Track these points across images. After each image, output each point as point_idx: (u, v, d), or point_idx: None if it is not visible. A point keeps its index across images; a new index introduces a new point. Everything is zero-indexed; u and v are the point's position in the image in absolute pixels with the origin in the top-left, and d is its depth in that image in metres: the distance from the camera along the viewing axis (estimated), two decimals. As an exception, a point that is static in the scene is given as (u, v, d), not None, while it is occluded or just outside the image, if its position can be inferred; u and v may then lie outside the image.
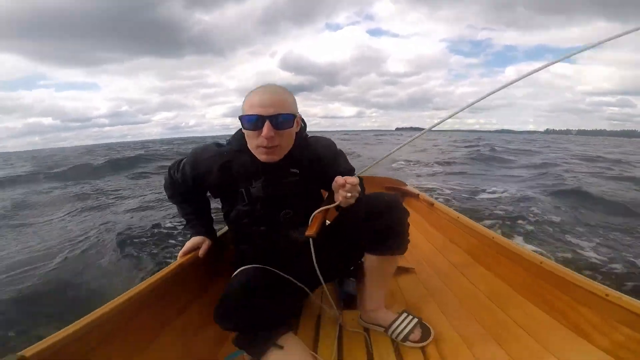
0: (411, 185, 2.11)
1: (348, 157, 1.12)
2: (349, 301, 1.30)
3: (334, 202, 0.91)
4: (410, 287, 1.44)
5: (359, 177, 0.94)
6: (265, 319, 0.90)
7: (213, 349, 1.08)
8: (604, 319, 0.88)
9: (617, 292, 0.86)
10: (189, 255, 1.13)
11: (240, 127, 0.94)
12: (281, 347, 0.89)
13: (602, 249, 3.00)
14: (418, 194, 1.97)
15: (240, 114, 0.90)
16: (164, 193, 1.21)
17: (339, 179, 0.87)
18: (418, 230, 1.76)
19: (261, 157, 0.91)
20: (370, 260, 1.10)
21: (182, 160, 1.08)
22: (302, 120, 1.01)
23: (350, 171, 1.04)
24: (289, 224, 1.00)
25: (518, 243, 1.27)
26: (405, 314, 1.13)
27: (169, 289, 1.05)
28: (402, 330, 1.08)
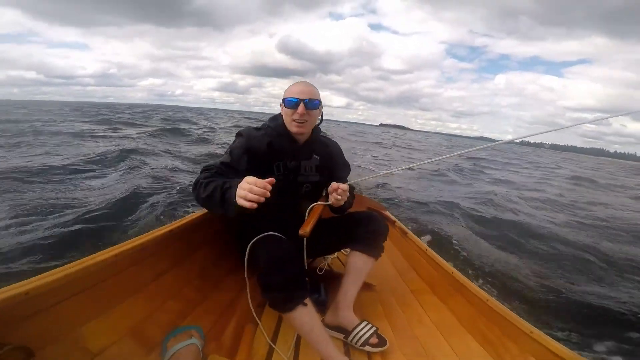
0: (389, 212, 2.27)
1: None
2: (318, 306, 1.39)
3: (327, 202, 1.23)
4: (369, 303, 1.55)
5: (350, 185, 1.24)
6: (296, 282, 1.11)
7: (175, 320, 1.17)
8: (522, 352, 1.04)
9: (541, 332, 1.02)
10: (168, 226, 1.28)
11: (273, 115, 1.35)
12: (306, 305, 1.10)
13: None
14: (394, 221, 2.10)
15: (282, 98, 1.26)
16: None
17: (334, 185, 1.19)
18: (386, 253, 1.81)
19: (293, 129, 1.25)
20: (354, 257, 1.35)
21: (227, 153, 1.23)
22: (322, 113, 1.35)
23: (344, 178, 1.42)
24: (307, 196, 1.31)
25: (472, 280, 1.41)
26: (365, 322, 1.28)
27: (147, 255, 1.17)
28: (363, 335, 1.24)
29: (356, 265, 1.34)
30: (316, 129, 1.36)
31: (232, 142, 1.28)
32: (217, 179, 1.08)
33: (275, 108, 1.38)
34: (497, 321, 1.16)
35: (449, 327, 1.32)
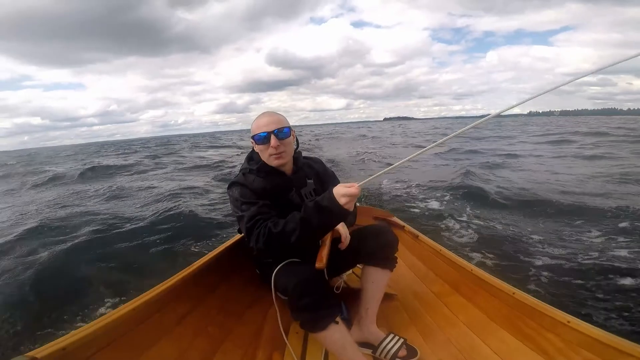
0: (397, 218, 2.23)
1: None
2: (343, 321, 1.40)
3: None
4: (393, 313, 1.53)
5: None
6: (327, 301, 1.12)
7: (207, 357, 1.21)
8: (567, 343, 0.99)
9: (577, 319, 0.98)
10: (185, 271, 1.32)
11: (247, 157, 1.32)
12: (337, 322, 1.11)
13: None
14: (404, 226, 2.07)
15: (251, 135, 1.24)
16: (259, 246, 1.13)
17: (341, 189, 0.96)
18: (402, 259, 1.83)
19: (273, 162, 1.23)
20: (369, 273, 1.33)
21: (240, 203, 1.16)
22: (296, 138, 1.32)
23: (333, 178, 1.43)
24: None
25: (494, 276, 1.37)
26: (392, 335, 1.26)
27: (168, 301, 1.20)
28: (391, 349, 1.22)
29: (373, 280, 1.33)
30: (297, 155, 1.34)
31: (232, 197, 1.22)
32: (277, 219, 1.08)
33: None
34: (530, 314, 1.12)
35: (482, 326, 1.28)
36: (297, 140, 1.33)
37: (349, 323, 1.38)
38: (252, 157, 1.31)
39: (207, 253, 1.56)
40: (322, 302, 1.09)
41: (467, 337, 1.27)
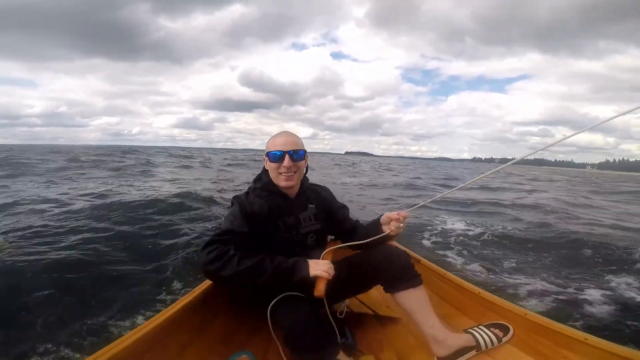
0: (396, 242, 2.14)
1: None
2: (347, 349, 1.36)
3: (381, 232, 1.23)
4: (399, 337, 1.49)
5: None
6: (326, 340, 1.13)
7: None
8: None
9: (594, 336, 0.98)
10: (186, 299, 1.26)
11: (255, 177, 1.35)
12: None
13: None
14: (405, 251, 1.98)
15: (265, 152, 1.26)
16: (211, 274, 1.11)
17: (393, 215, 1.20)
18: None
19: (282, 183, 1.24)
20: (405, 297, 1.25)
21: (228, 221, 1.18)
22: (307, 163, 1.33)
23: (347, 218, 1.42)
24: (314, 245, 1.31)
25: (501, 297, 1.37)
26: (474, 329, 1.24)
27: (169, 331, 1.13)
28: (488, 336, 1.21)
29: (416, 301, 1.25)
30: (304, 179, 1.34)
31: (229, 209, 1.27)
32: (241, 252, 1.08)
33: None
34: (544, 333, 1.12)
35: (494, 348, 1.22)
36: (307, 165, 1.32)
37: (354, 348, 1.36)
38: (261, 177, 1.32)
39: (205, 280, 1.43)
40: (321, 341, 1.09)
41: (480, 359, 1.20)
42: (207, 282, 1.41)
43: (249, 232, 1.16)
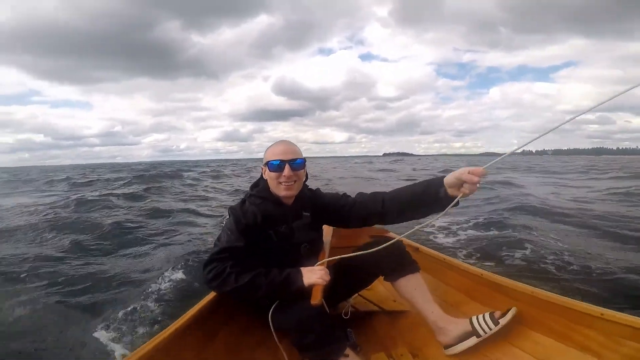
0: (393, 232, 2.11)
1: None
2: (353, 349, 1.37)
3: (443, 197, 1.05)
4: (411, 329, 1.46)
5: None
6: (332, 336, 1.13)
7: None
8: (608, 336, 0.93)
9: (611, 310, 0.94)
10: (184, 317, 1.19)
11: (252, 184, 1.35)
12: (347, 356, 1.12)
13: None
14: (402, 240, 1.94)
15: (264, 162, 1.26)
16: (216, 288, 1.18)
17: (465, 175, 0.97)
18: None
19: (282, 192, 1.23)
20: (405, 284, 1.30)
21: (225, 234, 1.21)
22: (306, 171, 1.32)
23: (348, 203, 1.33)
24: (308, 254, 1.29)
25: (507, 278, 1.33)
26: (473, 317, 1.22)
27: (168, 351, 1.09)
28: (486, 322, 1.18)
29: (414, 287, 1.30)
30: (302, 187, 1.33)
31: (226, 221, 1.28)
32: (238, 268, 1.11)
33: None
34: (558, 311, 1.08)
35: (509, 330, 1.19)
36: (306, 174, 1.32)
37: (357, 348, 1.32)
38: (258, 184, 1.32)
39: (206, 295, 1.41)
40: (327, 337, 1.10)
41: (496, 343, 1.18)
42: (205, 298, 1.39)
43: (246, 244, 1.18)
